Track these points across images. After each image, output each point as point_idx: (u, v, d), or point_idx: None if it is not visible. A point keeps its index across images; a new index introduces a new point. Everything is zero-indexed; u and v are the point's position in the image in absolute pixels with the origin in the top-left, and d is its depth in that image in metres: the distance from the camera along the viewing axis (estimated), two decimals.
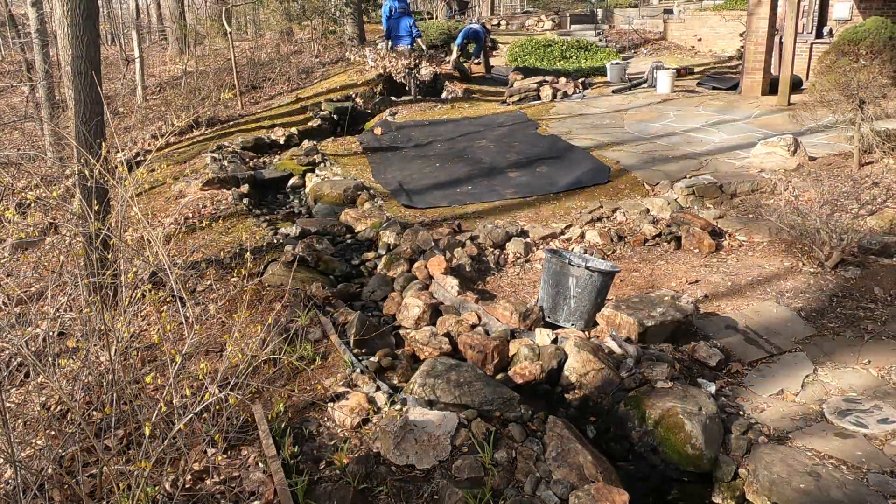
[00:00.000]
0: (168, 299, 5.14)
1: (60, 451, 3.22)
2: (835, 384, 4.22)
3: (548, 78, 13.63)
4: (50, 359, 3.55)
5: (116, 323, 3.43)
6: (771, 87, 11.64)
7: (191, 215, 7.49)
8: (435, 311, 5.17)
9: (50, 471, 3.10)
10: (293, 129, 10.97)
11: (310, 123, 11.38)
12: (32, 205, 5.81)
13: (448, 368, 4.07)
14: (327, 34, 17.48)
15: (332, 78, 14.54)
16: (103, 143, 4.87)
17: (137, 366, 4.14)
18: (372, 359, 4.49)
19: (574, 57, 16.45)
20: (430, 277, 5.70)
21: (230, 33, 13.87)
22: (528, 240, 6.40)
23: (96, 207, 4.28)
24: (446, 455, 3.50)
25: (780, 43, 11.49)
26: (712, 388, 4.13)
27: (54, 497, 3.16)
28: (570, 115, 11.18)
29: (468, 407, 3.81)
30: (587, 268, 4.84)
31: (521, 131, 10.24)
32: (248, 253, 5.05)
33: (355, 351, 4.58)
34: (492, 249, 6.28)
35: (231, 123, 11.76)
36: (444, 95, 13.21)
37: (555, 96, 12.66)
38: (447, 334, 4.85)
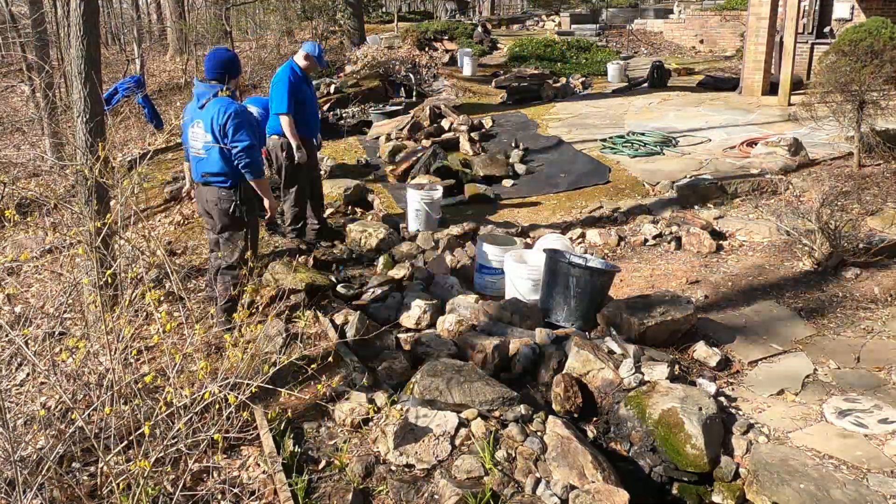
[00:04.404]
0: (168, 299, 5.14)
1: (60, 450, 3.22)
2: (835, 384, 4.22)
3: (548, 78, 13.62)
4: (50, 358, 3.55)
5: (116, 322, 3.43)
6: (771, 87, 11.64)
7: (191, 215, 7.49)
8: (435, 311, 5.17)
9: (50, 471, 3.10)
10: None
11: None
12: (33, 204, 5.81)
13: (448, 368, 4.07)
14: (328, 34, 17.49)
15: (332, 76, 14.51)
16: (103, 143, 4.86)
17: (137, 366, 4.14)
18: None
19: (574, 57, 16.44)
20: (431, 277, 5.70)
21: (230, 33, 13.87)
22: (528, 240, 6.40)
23: (96, 207, 4.29)
24: (446, 455, 3.50)
25: (781, 43, 11.48)
26: (712, 388, 4.12)
27: (54, 497, 3.16)
28: (570, 115, 11.18)
29: (468, 407, 3.81)
30: (587, 267, 4.84)
31: (521, 132, 10.24)
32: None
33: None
34: None
35: None
36: (442, 95, 13.20)
37: (555, 96, 12.66)
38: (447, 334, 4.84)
